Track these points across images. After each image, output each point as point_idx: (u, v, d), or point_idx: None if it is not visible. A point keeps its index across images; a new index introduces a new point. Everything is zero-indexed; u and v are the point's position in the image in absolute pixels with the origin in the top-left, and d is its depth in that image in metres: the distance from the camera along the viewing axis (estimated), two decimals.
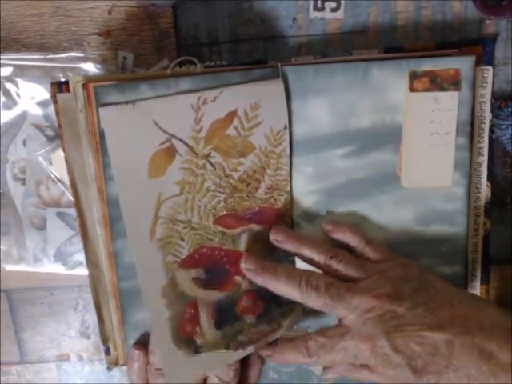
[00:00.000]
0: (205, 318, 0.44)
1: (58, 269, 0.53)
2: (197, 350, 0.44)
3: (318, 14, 0.47)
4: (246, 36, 0.48)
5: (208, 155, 0.42)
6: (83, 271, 0.50)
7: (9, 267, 0.53)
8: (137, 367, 0.46)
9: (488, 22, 0.47)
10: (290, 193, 0.46)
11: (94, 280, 0.46)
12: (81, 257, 0.51)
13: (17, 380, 0.58)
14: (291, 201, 0.46)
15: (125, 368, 0.56)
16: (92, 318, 0.55)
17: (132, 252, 0.41)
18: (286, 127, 0.44)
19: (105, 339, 0.47)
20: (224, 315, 0.45)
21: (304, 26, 0.48)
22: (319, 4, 0.47)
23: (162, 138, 0.40)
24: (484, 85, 0.45)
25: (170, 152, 0.41)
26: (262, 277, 0.43)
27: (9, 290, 0.55)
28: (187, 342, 0.43)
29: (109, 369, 0.48)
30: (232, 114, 0.42)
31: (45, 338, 0.56)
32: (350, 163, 0.46)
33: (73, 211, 0.47)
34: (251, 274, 0.43)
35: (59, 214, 0.51)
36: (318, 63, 0.44)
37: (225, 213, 0.44)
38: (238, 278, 0.45)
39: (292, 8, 0.47)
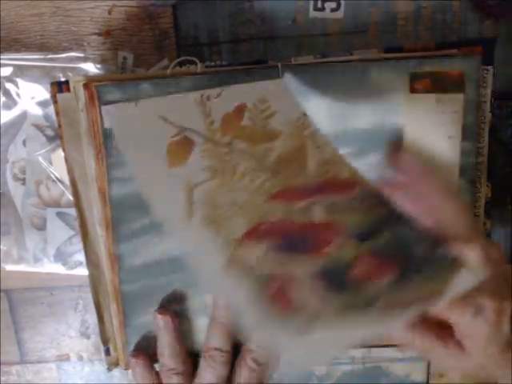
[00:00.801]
0: (306, 290, 0.36)
1: (58, 269, 0.53)
2: (307, 327, 0.34)
3: (318, 14, 0.47)
4: (245, 36, 0.48)
5: (230, 143, 0.40)
6: (83, 271, 0.50)
7: (9, 267, 0.53)
8: (139, 372, 0.46)
9: (488, 21, 0.47)
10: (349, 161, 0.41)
11: (95, 280, 0.46)
12: (81, 257, 0.51)
13: (17, 380, 0.58)
14: (355, 168, 0.41)
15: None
16: (92, 318, 0.55)
17: (178, 244, 0.37)
18: (304, 114, 0.42)
19: (105, 340, 0.47)
20: (334, 283, 0.36)
21: (304, 26, 0.48)
22: (319, 4, 0.47)
23: (174, 130, 0.39)
24: (484, 85, 0.45)
25: (186, 142, 0.39)
26: None
27: (9, 290, 0.55)
28: (286, 318, 0.35)
29: (109, 369, 0.48)
30: (241, 107, 0.41)
31: (45, 338, 0.56)
32: None
33: (73, 211, 0.47)
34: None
35: (59, 214, 0.51)
36: (318, 63, 0.44)
37: (277, 189, 0.39)
38: (337, 241, 0.38)
39: (292, 8, 0.47)
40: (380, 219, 0.39)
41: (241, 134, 0.40)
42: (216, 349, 0.45)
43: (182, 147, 0.39)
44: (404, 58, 0.43)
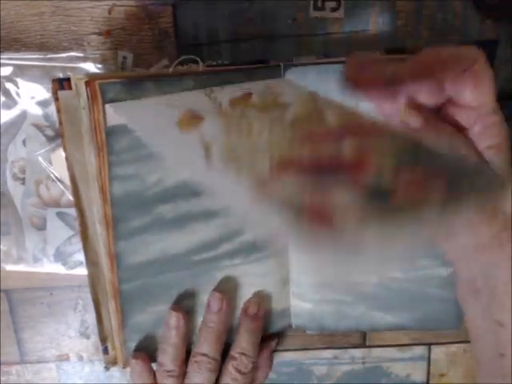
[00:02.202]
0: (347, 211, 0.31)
1: (57, 269, 0.53)
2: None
3: (318, 14, 0.47)
4: (245, 36, 0.48)
5: (241, 112, 0.38)
6: (83, 271, 0.50)
7: (8, 267, 0.53)
8: (138, 373, 0.46)
9: (488, 21, 0.47)
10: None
11: (93, 279, 0.46)
12: (81, 257, 0.51)
13: (16, 380, 0.58)
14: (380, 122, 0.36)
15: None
16: (92, 318, 0.55)
17: (200, 185, 0.33)
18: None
19: (103, 338, 0.47)
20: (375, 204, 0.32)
21: (304, 26, 0.48)
22: (319, 3, 0.47)
23: (182, 111, 0.37)
24: None
25: (197, 115, 0.37)
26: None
27: (8, 290, 0.55)
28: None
29: (106, 368, 0.47)
30: (247, 94, 0.40)
31: (44, 338, 0.56)
32: None
33: (73, 211, 0.47)
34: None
35: (59, 214, 0.51)
36: (320, 63, 0.44)
37: (301, 133, 0.36)
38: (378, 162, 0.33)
39: (292, 7, 0.47)
40: (415, 150, 0.34)
41: (251, 107, 0.39)
42: (203, 354, 0.45)
43: (193, 117, 0.37)
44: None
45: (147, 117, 0.38)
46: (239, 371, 0.45)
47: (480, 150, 0.35)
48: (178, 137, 0.36)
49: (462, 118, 0.35)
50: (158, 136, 0.37)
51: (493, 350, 0.37)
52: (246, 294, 0.49)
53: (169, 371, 0.45)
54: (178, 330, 0.44)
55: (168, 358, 0.45)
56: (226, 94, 0.40)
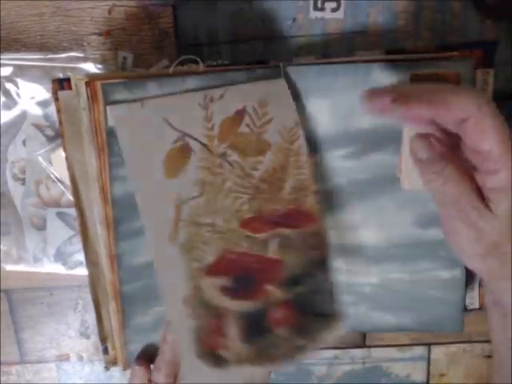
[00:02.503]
0: (232, 331, 0.41)
1: (57, 269, 0.53)
2: (223, 364, 0.41)
3: (318, 14, 0.47)
4: (245, 36, 0.48)
5: (224, 153, 0.41)
6: (83, 271, 0.50)
7: (8, 267, 0.53)
8: (137, 379, 0.46)
9: (488, 22, 0.47)
10: (317, 193, 0.44)
11: (94, 279, 0.45)
12: (81, 257, 0.51)
13: (16, 380, 0.58)
14: (318, 201, 0.44)
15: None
16: (92, 318, 0.55)
17: (153, 257, 0.39)
18: (297, 124, 0.43)
19: (103, 338, 0.47)
20: (253, 327, 0.42)
21: (304, 26, 0.47)
22: (319, 4, 0.47)
23: (174, 136, 0.40)
24: (485, 87, 0.45)
25: (185, 150, 0.40)
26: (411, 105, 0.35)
27: (9, 290, 0.55)
28: (212, 355, 0.41)
29: (106, 368, 0.47)
30: (241, 112, 0.42)
31: (44, 338, 0.56)
32: (350, 164, 0.45)
33: (73, 211, 0.47)
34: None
35: (59, 214, 0.51)
36: (320, 64, 0.44)
37: (250, 215, 0.42)
38: (269, 287, 0.42)
39: (292, 8, 0.47)
40: (311, 263, 0.44)
41: (235, 143, 0.41)
42: None
43: (180, 155, 0.40)
44: (404, 60, 0.43)
45: (138, 131, 0.39)
46: None
47: (485, 190, 0.35)
48: (159, 181, 0.39)
49: (472, 156, 0.36)
50: (140, 167, 0.39)
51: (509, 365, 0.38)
52: None
53: None
54: (173, 348, 0.44)
55: (162, 374, 0.45)
56: (223, 107, 0.41)
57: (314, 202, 0.44)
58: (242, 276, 0.42)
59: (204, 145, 0.41)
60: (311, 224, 0.43)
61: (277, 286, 0.42)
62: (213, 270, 0.41)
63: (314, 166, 0.44)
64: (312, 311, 0.43)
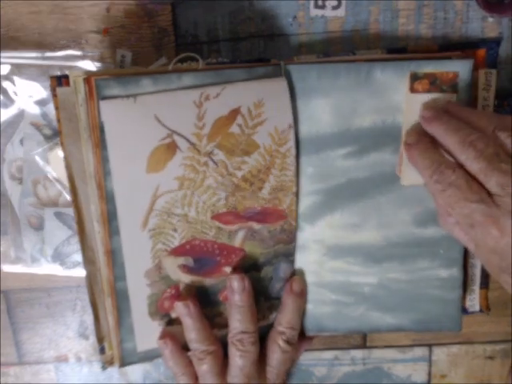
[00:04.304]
0: (186, 297, 0.45)
1: (55, 269, 0.52)
2: (170, 322, 0.46)
3: (319, 12, 0.47)
4: (245, 34, 0.48)
5: (211, 152, 0.42)
6: (81, 272, 0.49)
7: (6, 268, 0.53)
8: (169, 354, 0.46)
9: (490, 20, 0.46)
10: (296, 194, 0.45)
11: (91, 278, 0.45)
12: (79, 257, 0.51)
13: (15, 381, 0.58)
14: (296, 202, 0.45)
15: (122, 369, 0.56)
16: (90, 319, 0.54)
17: (122, 239, 0.42)
18: (290, 126, 0.43)
19: (100, 338, 0.47)
20: (205, 299, 0.46)
21: (304, 24, 0.47)
22: (320, 2, 0.47)
23: (163, 133, 0.40)
24: (487, 88, 0.45)
25: (171, 148, 0.41)
26: (432, 125, 0.40)
27: (7, 291, 0.54)
28: (162, 315, 0.46)
29: (103, 368, 0.47)
30: (235, 112, 0.42)
31: (43, 339, 0.56)
32: (350, 163, 0.45)
33: (71, 211, 0.47)
34: (424, 120, 0.41)
35: (57, 214, 0.51)
36: (321, 63, 0.44)
37: (225, 210, 0.44)
38: (226, 269, 0.45)
39: (292, 6, 0.47)
40: (275, 255, 0.46)
41: (224, 143, 0.42)
42: (243, 332, 0.46)
43: (165, 153, 0.41)
44: (405, 59, 0.43)
45: (127, 127, 0.40)
46: (289, 343, 0.47)
47: None
48: (141, 175, 0.41)
49: None
50: (123, 161, 0.40)
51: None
52: None
53: (203, 351, 0.46)
54: (189, 315, 0.45)
55: (195, 341, 0.46)
56: (218, 106, 0.41)
57: (292, 203, 0.45)
58: (203, 258, 0.45)
59: (192, 143, 0.41)
60: (282, 221, 0.45)
61: (234, 269, 0.45)
62: (176, 251, 0.44)
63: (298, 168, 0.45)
64: (264, 294, 0.47)
